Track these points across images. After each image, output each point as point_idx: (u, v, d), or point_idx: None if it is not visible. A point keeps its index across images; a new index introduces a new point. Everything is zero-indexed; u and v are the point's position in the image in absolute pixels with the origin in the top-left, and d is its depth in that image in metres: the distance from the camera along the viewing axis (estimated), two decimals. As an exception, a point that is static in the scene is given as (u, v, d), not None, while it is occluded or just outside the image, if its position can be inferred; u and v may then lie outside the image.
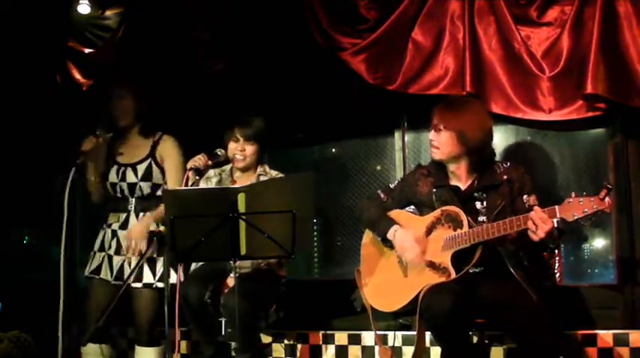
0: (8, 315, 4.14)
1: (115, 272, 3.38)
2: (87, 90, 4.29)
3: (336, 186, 4.13)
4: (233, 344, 3.23)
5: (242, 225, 2.63)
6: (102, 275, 3.41)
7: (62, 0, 4.26)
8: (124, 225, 3.43)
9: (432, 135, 2.98)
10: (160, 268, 3.36)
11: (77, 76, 4.34)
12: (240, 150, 3.36)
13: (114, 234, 3.45)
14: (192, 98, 4.08)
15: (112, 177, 3.46)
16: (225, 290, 3.23)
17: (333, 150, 4.26)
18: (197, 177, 3.10)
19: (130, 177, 3.44)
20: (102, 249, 3.46)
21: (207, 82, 4.04)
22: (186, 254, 2.67)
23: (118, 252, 3.41)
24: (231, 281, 3.22)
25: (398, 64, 3.62)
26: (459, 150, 2.93)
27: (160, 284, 3.34)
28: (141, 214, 3.44)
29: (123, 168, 3.46)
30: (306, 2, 3.78)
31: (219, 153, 3.27)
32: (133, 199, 3.46)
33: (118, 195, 3.47)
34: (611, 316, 3.38)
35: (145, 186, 3.45)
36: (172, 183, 3.44)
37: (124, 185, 3.44)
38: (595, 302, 3.42)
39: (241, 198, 2.61)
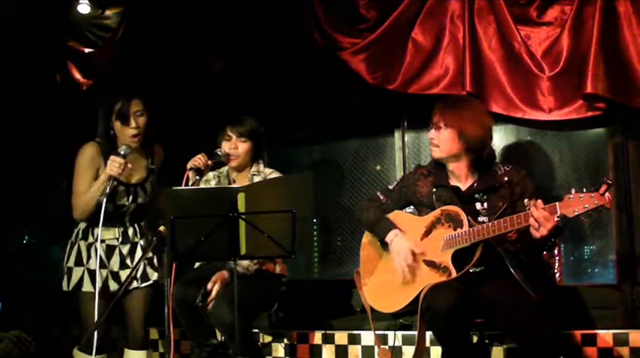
0: (8, 315, 4.13)
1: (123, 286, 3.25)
2: (87, 90, 4.29)
3: (336, 185, 4.13)
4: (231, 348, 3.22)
5: (242, 224, 2.63)
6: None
7: (62, 0, 4.26)
8: (125, 240, 3.26)
9: (431, 133, 2.98)
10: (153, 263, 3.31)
11: (77, 76, 4.34)
12: (233, 148, 3.33)
13: (112, 249, 3.24)
14: (192, 98, 4.07)
15: (122, 198, 3.21)
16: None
17: (333, 150, 4.26)
18: (197, 177, 3.09)
19: (142, 198, 3.28)
20: (102, 265, 3.21)
21: (207, 81, 4.04)
22: (186, 254, 2.67)
23: (123, 266, 3.26)
24: (212, 286, 3.12)
25: (398, 63, 3.62)
26: (459, 149, 2.93)
27: (155, 277, 3.28)
28: (136, 225, 3.30)
29: (133, 189, 3.24)
30: (306, 2, 3.78)
31: (219, 153, 3.27)
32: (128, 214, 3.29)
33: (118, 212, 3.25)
34: (611, 316, 3.38)
35: (147, 200, 3.33)
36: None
37: (133, 206, 3.25)
38: (595, 302, 3.42)
39: (241, 198, 2.61)
